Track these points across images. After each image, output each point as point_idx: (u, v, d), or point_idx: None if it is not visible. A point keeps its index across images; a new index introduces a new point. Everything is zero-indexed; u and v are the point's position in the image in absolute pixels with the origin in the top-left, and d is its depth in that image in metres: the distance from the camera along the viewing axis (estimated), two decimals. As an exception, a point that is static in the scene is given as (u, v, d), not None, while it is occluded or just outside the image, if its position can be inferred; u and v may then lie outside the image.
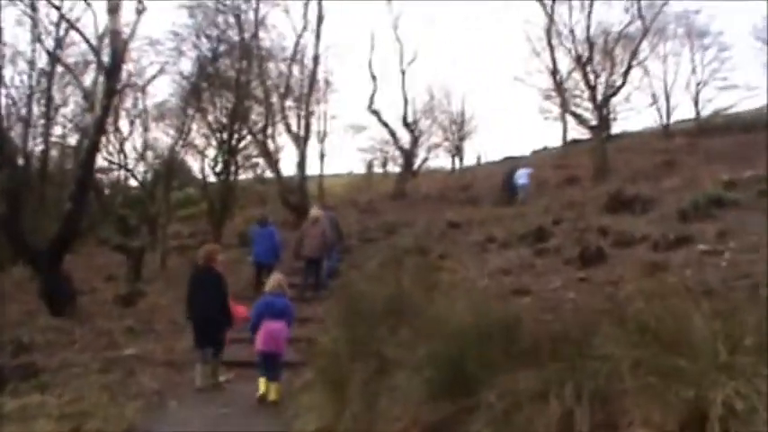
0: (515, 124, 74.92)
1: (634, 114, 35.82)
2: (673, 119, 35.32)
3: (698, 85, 34.82)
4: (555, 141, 40.12)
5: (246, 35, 23.99)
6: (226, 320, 10.22)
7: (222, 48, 23.28)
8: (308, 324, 12.00)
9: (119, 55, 14.94)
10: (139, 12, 15.78)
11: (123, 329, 13.10)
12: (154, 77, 23.99)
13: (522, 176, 25.43)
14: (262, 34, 25.24)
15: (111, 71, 14.98)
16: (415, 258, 14.80)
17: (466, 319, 5.80)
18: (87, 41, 18.22)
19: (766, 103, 31.25)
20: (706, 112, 35.08)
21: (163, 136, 25.92)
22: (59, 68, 23.85)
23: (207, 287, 10.12)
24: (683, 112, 39.66)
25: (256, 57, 24.26)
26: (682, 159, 25.76)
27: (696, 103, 34.76)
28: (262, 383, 9.23)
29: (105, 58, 15.64)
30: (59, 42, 22.35)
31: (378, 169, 42.15)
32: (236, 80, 23.02)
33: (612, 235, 14.26)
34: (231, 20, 24.02)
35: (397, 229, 21.33)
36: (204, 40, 23.35)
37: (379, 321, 7.90)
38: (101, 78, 16.18)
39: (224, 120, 23.83)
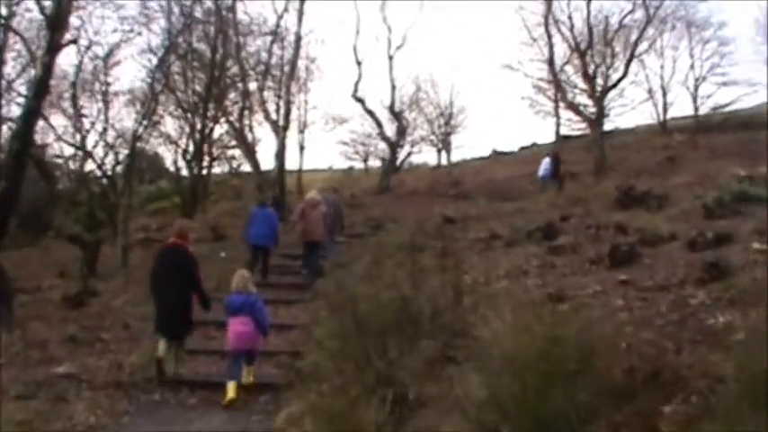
0: (503, 119, 73.13)
1: (627, 110, 33.96)
2: (669, 115, 33.95)
3: (696, 80, 33.43)
4: (543, 138, 38.62)
5: (223, 3, 21.74)
6: (199, 300, 9.53)
7: (196, 17, 20.99)
8: (290, 332, 10.20)
9: (63, 3, 12.97)
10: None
11: (63, 338, 10.87)
12: (116, 45, 21.72)
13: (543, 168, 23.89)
14: (240, 5, 23.12)
15: (55, 22, 12.99)
16: (413, 256, 13.23)
17: (540, 345, 4.01)
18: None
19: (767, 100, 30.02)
20: (703, 108, 33.69)
21: (133, 124, 23.80)
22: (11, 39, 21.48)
23: (175, 267, 9.28)
24: (679, 108, 38.12)
25: (233, 30, 22.01)
26: (684, 156, 24.70)
27: (695, 99, 33.35)
28: (230, 388, 8.40)
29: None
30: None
31: (359, 164, 40.34)
32: (212, 56, 20.87)
33: (634, 232, 12.76)
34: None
35: (384, 225, 19.62)
36: (175, 7, 21.08)
37: (388, 334, 6.18)
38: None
39: (196, 100, 21.67)
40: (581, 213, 16.01)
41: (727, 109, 33.04)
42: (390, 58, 30.55)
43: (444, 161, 39.69)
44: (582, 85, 28.25)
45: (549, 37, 26.25)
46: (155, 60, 20.49)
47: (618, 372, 4.24)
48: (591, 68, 26.11)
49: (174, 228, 9.80)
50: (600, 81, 26.67)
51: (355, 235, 18.71)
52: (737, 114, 32.00)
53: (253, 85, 23.71)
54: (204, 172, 25.25)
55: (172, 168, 28.55)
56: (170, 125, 23.86)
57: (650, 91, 33.63)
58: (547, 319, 4.65)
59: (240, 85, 23.05)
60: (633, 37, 26.35)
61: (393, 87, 30.92)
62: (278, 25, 23.22)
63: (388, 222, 20.06)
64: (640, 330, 5.99)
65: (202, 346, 10.33)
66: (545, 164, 23.66)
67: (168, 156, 27.36)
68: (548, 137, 37.65)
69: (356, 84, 29.06)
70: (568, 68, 29.90)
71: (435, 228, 17.91)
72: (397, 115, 30.87)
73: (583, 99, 29.28)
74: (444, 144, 39.12)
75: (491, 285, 9.79)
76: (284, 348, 9.37)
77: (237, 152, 27.21)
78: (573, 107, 28.04)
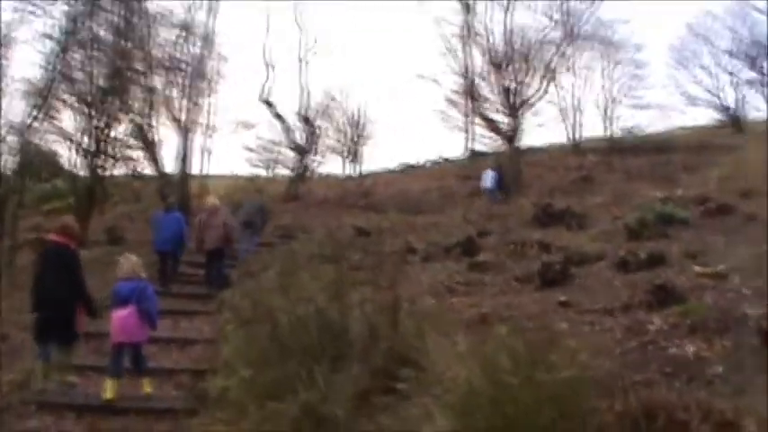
0: (412, 132, 72.90)
1: (540, 129, 34.09)
2: (582, 135, 34.23)
3: (611, 101, 33.81)
4: (452, 152, 38.30)
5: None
6: (84, 306, 8.69)
7: (99, 2, 19.37)
8: (193, 347, 9.15)
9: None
10: None
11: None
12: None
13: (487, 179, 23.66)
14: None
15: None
16: (327, 267, 12.39)
17: (511, 381, 3.23)
18: None
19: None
20: (616, 130, 34.14)
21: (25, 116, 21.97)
22: None
23: (58, 267, 8.56)
24: (591, 128, 38.69)
25: (140, 18, 20.63)
26: (599, 176, 24.69)
27: (608, 121, 33.70)
28: (109, 386, 7.78)
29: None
30: None
31: (264, 171, 39.05)
32: (115, 46, 19.33)
33: (557, 251, 12.32)
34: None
35: (294, 234, 18.67)
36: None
37: (312, 357, 5.32)
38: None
39: (96, 93, 20.11)
40: (499, 230, 15.72)
41: (638, 132, 33.49)
42: (301, 61, 29.71)
43: (353, 172, 38.89)
44: (498, 99, 28.02)
45: (467, 49, 25.84)
46: (53, 46, 18.97)
47: (609, 415, 3.50)
48: (508, 84, 25.77)
49: (56, 226, 8.93)
50: (516, 97, 26.35)
51: (264, 244, 17.65)
52: (650, 137, 32.41)
53: (159, 81, 22.43)
54: (102, 167, 23.47)
55: (68, 167, 26.59)
56: (67, 120, 22.14)
57: (563, 110, 33.82)
58: (517, 347, 3.85)
59: (145, 80, 21.62)
60: (551, 54, 26.21)
61: (304, 92, 30.22)
62: (188, 19, 22.19)
63: (299, 232, 19.17)
64: (596, 359, 5.26)
65: (93, 362, 9.11)
66: (488, 175, 23.33)
67: (65, 153, 25.55)
68: (456, 151, 37.42)
69: (265, 86, 28.14)
70: (484, 83, 29.74)
71: (347, 239, 17.18)
72: (307, 121, 29.89)
73: (497, 115, 29.17)
74: (353, 154, 38.32)
75: (416, 303, 9.04)
76: (186, 366, 8.42)
77: (139, 153, 25.67)
78: (489, 122, 27.67)
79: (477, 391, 3.49)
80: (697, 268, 9.07)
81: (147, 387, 8.10)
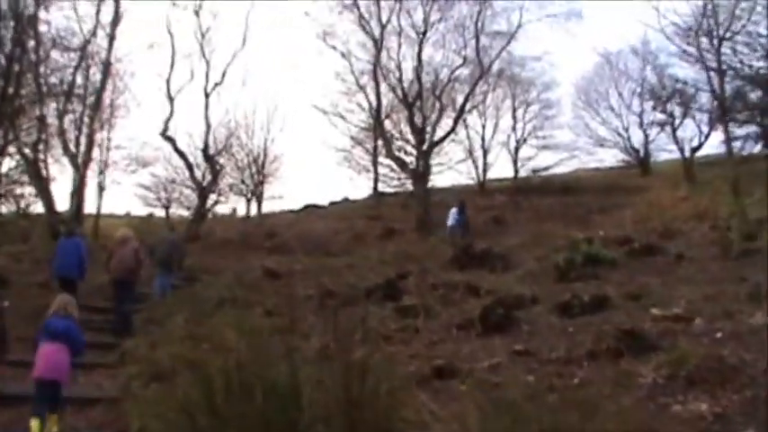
0: (315, 172, 72.11)
1: (445, 168, 33.65)
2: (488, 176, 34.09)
3: (518, 141, 33.85)
4: (354, 193, 37.62)
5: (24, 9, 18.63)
6: None
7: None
8: (93, 408, 7.86)
9: None
10: None
11: None
12: None
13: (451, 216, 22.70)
14: (43, 14, 20.07)
15: None
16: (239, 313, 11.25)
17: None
18: None
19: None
20: (522, 170, 34.10)
21: None
22: None
23: None
24: (497, 169, 38.53)
25: (33, 40, 18.85)
26: (509, 216, 24.34)
27: (515, 162, 33.67)
28: (34, 425, 7.26)
29: None
30: None
31: (159, 211, 37.27)
32: (7, 68, 17.57)
33: (486, 294, 11.67)
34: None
35: (197, 276, 17.40)
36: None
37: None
38: None
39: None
40: (418, 271, 14.95)
41: (544, 173, 33.63)
42: (207, 95, 28.36)
43: (254, 212, 37.51)
44: (406, 137, 27.56)
45: (378, 85, 25.21)
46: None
47: None
48: (420, 122, 25.25)
49: None
50: (426, 136, 25.86)
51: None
52: (556, 178, 32.56)
53: (52, 110, 20.72)
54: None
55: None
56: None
57: (470, 150, 33.66)
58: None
59: (37, 109, 19.93)
60: (463, 91, 25.88)
61: (208, 127, 28.69)
62: (85, 43, 20.62)
63: (202, 274, 17.93)
64: (590, 420, 4.41)
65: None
66: (453, 214, 22.54)
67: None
68: (361, 192, 36.76)
69: (166, 121, 26.73)
70: (388, 122, 29.21)
71: (255, 282, 16.07)
72: (210, 159, 28.51)
73: (402, 154, 28.62)
74: (255, 194, 36.90)
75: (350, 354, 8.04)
76: (84, 432, 7.07)
77: (27, 190, 23.84)
78: (398, 160, 27.04)
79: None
80: (654, 311, 8.46)
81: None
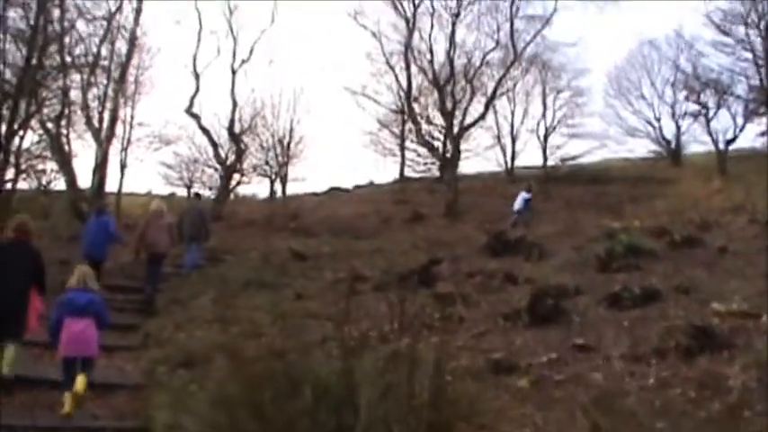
0: (340, 154, 71.39)
1: (472, 155, 32.92)
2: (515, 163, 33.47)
3: (547, 129, 33.07)
4: (378, 177, 37.12)
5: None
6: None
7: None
8: (115, 395, 7.42)
9: None
10: None
11: None
12: None
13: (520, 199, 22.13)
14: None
15: None
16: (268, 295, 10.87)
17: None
18: None
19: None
20: (551, 158, 33.47)
21: None
22: None
23: (17, 264, 8.16)
24: (525, 156, 37.70)
25: (59, 7, 18.35)
26: (538, 205, 23.63)
27: (544, 150, 32.90)
28: (67, 400, 6.93)
29: None
30: None
31: (182, 190, 36.82)
32: (31, 36, 16.98)
33: (527, 284, 11.17)
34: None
35: (221, 257, 17.02)
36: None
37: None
38: None
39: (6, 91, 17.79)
40: (450, 258, 14.52)
41: (572, 162, 32.93)
42: (233, 72, 27.97)
43: (276, 193, 36.94)
44: (434, 121, 26.92)
45: (408, 66, 24.60)
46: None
47: None
48: (449, 104, 24.62)
49: (13, 223, 8.63)
50: (455, 120, 25.21)
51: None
52: (586, 167, 31.86)
53: (75, 84, 20.34)
54: (8, 186, 21.25)
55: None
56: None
57: (498, 137, 32.95)
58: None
59: (60, 81, 19.50)
60: (493, 76, 25.25)
61: (234, 105, 28.33)
62: (111, 14, 20.21)
63: (226, 255, 17.57)
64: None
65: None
66: (521, 197, 21.99)
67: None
68: (385, 176, 36.19)
69: (192, 97, 26.37)
70: (415, 105, 28.58)
71: (282, 263, 15.65)
72: (235, 137, 28.07)
73: (429, 139, 28.02)
74: (279, 175, 36.29)
75: (391, 342, 7.53)
76: (107, 422, 6.60)
77: (49, 166, 23.52)
78: (427, 144, 26.44)
79: None
80: (716, 306, 7.89)
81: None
